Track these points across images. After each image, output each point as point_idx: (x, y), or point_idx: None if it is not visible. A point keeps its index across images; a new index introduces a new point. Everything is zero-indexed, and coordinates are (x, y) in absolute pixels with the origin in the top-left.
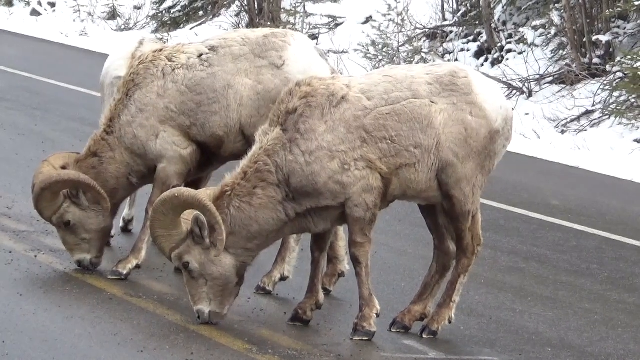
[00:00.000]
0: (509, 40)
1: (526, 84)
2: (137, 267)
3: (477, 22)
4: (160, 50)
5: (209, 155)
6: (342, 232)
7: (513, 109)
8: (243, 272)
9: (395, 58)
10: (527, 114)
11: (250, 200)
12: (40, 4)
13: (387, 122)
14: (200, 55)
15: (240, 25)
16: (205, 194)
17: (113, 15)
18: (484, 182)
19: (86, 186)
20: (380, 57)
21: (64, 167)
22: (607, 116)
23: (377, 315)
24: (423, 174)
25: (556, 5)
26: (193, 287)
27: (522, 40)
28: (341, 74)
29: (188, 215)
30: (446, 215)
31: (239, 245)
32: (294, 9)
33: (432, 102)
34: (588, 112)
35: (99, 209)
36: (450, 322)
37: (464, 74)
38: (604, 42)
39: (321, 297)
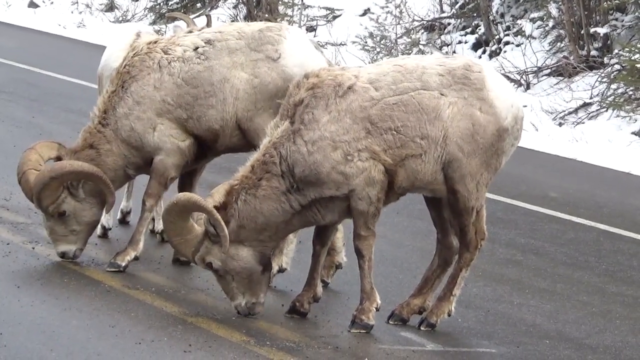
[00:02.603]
0: (506, 32)
1: (524, 76)
2: (136, 259)
3: (475, 14)
4: (155, 42)
5: (204, 148)
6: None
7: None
8: (266, 260)
9: (393, 50)
10: (525, 106)
11: (255, 192)
12: None
13: (394, 112)
14: (196, 48)
15: (238, 17)
16: (215, 197)
17: (111, 7)
18: (490, 179)
19: (97, 179)
20: (378, 50)
21: (59, 157)
22: (605, 108)
23: (377, 310)
24: (429, 165)
25: None
26: (224, 285)
27: (519, 32)
28: (338, 65)
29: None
30: (450, 209)
31: (251, 238)
32: (291, 1)
33: (442, 94)
34: (586, 105)
35: (93, 202)
36: (449, 315)
37: (478, 68)
38: (601, 34)
39: (319, 290)
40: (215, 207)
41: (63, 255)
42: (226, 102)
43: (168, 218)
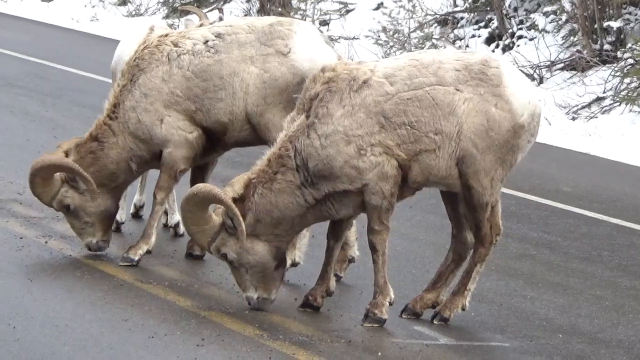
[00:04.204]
0: (520, 26)
1: (537, 71)
2: (148, 252)
3: (488, 8)
4: (166, 35)
5: (213, 141)
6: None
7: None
8: (281, 255)
9: (406, 44)
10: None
11: (271, 185)
12: None
13: (408, 107)
14: (206, 41)
15: (251, 11)
16: (235, 187)
17: (124, 0)
18: (505, 175)
19: (68, 169)
20: (391, 44)
21: (66, 154)
22: (618, 103)
23: (390, 304)
24: (444, 161)
25: None
26: (237, 276)
27: (533, 26)
28: (351, 59)
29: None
30: (465, 204)
31: (267, 232)
32: None
33: (458, 90)
34: (599, 99)
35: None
36: (463, 309)
37: (495, 64)
38: (615, 28)
39: (332, 284)
40: (233, 198)
41: (88, 247)
42: (236, 96)
43: (186, 207)
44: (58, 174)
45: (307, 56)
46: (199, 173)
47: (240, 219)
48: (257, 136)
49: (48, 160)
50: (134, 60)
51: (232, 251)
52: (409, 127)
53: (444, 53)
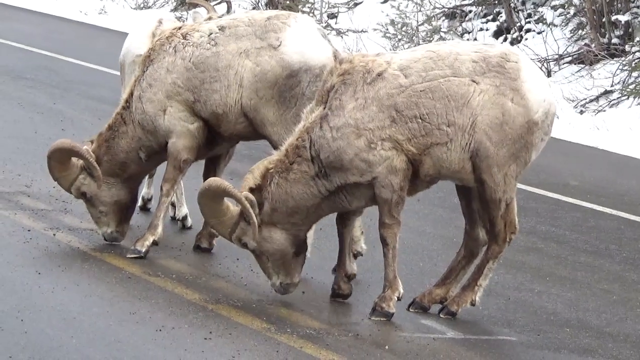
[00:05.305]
0: (528, 19)
1: (545, 64)
2: (155, 243)
3: (496, 2)
4: (179, 28)
5: (213, 133)
6: None
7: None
8: (300, 242)
9: (414, 37)
10: None
11: (287, 175)
12: None
13: (420, 99)
14: (210, 34)
15: (260, 4)
16: (255, 174)
17: None
18: (519, 173)
19: (75, 153)
20: (399, 37)
21: (92, 142)
22: (626, 96)
23: (399, 299)
24: (456, 154)
25: None
26: (260, 263)
27: (541, 19)
28: (359, 52)
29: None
30: (479, 200)
31: (284, 220)
32: None
33: (474, 81)
34: (607, 92)
35: (111, 181)
36: (472, 304)
37: (514, 58)
38: (623, 22)
39: (350, 268)
40: (251, 188)
41: (104, 237)
42: (230, 88)
43: (202, 201)
44: (78, 161)
45: (297, 49)
46: (211, 166)
47: (251, 210)
48: (254, 131)
49: (60, 143)
50: (148, 52)
51: (252, 240)
52: (420, 120)
53: (463, 45)
